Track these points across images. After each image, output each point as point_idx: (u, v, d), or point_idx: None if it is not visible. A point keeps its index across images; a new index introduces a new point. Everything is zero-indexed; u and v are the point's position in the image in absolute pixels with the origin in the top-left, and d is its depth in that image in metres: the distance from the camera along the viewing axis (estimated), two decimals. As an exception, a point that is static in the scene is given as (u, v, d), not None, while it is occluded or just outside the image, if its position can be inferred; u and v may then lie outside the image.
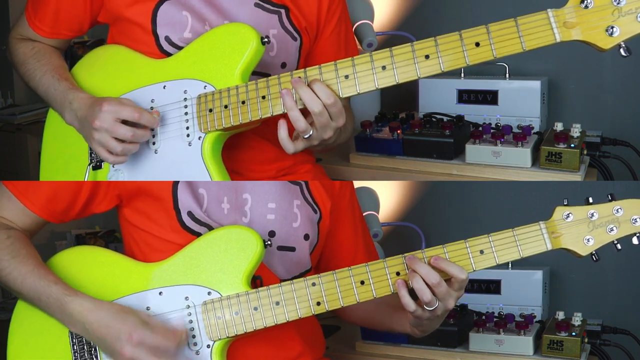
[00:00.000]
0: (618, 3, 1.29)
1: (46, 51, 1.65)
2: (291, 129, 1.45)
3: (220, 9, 1.55)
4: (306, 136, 1.43)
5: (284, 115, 1.43)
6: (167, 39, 1.54)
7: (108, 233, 2.99)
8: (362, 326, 2.00)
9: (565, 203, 1.41)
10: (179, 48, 1.53)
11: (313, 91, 1.39)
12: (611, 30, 1.30)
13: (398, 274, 1.41)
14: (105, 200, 1.54)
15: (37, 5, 1.64)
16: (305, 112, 1.42)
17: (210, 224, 1.49)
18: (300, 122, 1.41)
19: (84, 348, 1.45)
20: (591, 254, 1.39)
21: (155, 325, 1.38)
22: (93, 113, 1.46)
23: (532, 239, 1.40)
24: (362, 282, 1.41)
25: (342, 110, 1.42)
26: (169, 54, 1.54)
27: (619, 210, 1.38)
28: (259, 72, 1.55)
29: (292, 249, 1.54)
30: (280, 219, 1.53)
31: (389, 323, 1.59)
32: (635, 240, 1.38)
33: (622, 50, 1.31)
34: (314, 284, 1.41)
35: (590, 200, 1.40)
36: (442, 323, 1.95)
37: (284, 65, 1.60)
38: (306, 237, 1.56)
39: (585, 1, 1.31)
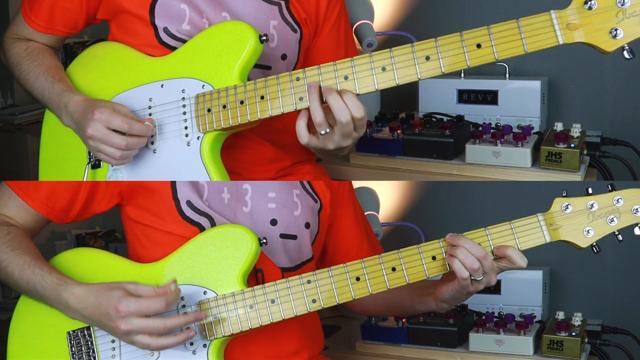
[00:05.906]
0: (622, 4, 1.27)
1: (40, 50, 1.64)
2: (310, 124, 1.43)
3: (219, 0, 1.55)
4: (322, 132, 1.41)
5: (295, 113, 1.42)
6: (166, 30, 1.54)
7: (108, 233, 2.99)
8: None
9: (564, 194, 1.39)
10: (178, 39, 1.53)
11: (343, 101, 1.39)
12: (615, 32, 1.28)
13: (394, 269, 1.40)
14: (105, 199, 1.54)
15: None
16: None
17: (210, 213, 1.49)
18: (319, 116, 1.39)
19: (81, 349, 1.45)
20: (592, 245, 1.37)
21: (142, 291, 1.37)
22: (86, 120, 1.45)
23: (530, 232, 1.38)
24: (358, 279, 1.41)
25: (366, 123, 1.42)
26: (168, 45, 1.53)
27: (620, 200, 1.36)
28: (260, 64, 1.55)
29: (294, 237, 1.54)
30: (280, 207, 1.53)
31: (409, 304, 1.58)
32: (637, 231, 1.36)
33: (625, 53, 1.29)
34: (309, 281, 1.41)
35: (590, 190, 1.37)
36: (441, 323, 1.98)
37: (284, 56, 1.60)
38: (307, 225, 1.56)
39: (589, 2, 1.28)
